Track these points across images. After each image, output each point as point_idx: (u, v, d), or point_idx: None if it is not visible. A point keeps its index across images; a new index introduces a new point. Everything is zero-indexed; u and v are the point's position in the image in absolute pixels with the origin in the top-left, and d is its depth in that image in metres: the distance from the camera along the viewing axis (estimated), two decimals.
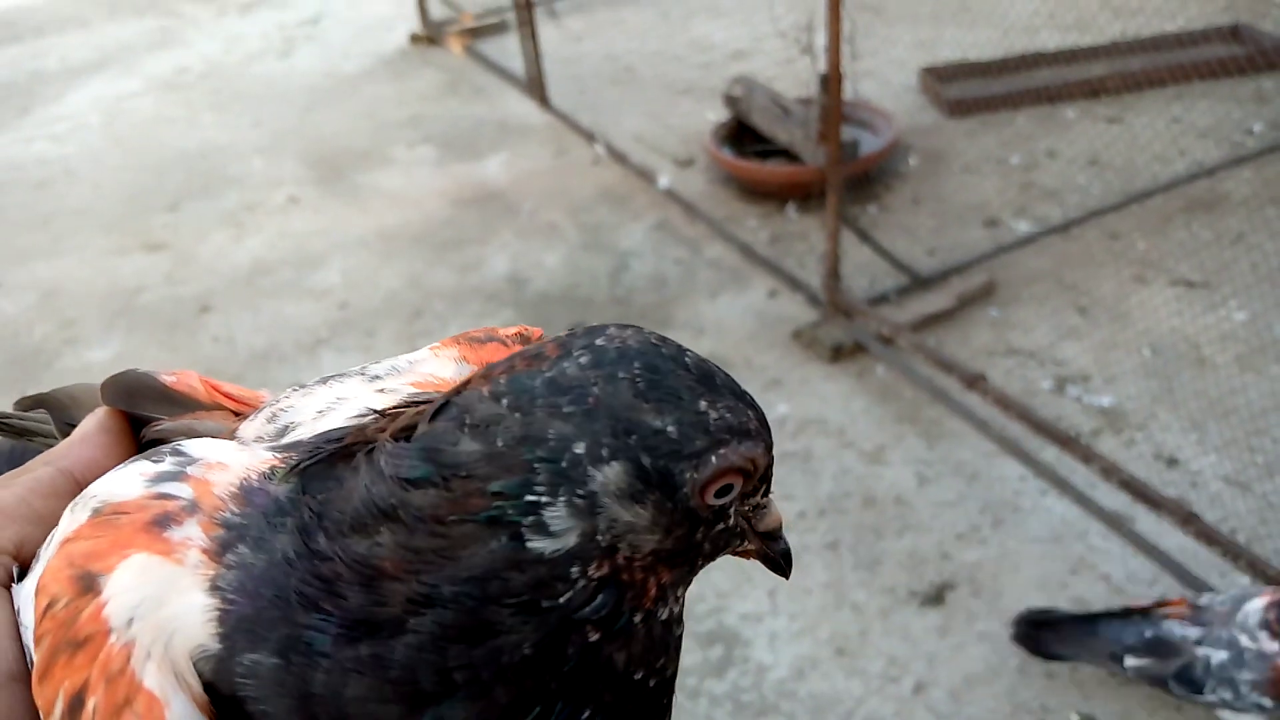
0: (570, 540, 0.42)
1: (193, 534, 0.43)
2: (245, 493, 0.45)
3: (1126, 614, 2.13)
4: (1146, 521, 2.59)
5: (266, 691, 0.41)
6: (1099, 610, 2.21)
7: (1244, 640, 1.94)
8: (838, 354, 3.23)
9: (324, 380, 0.55)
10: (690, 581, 0.48)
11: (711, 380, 0.46)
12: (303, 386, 0.55)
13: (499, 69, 5.60)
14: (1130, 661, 2.07)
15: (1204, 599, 2.10)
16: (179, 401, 0.56)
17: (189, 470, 0.46)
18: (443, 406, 0.43)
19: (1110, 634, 2.12)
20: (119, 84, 6.06)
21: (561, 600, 0.42)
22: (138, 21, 7.19)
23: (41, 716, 0.42)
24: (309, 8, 7.10)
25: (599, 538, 0.42)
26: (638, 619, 0.45)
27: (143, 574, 0.42)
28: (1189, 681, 1.99)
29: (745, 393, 0.48)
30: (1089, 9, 5.32)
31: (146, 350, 3.64)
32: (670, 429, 0.43)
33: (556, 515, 0.41)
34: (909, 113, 4.65)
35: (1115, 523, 2.61)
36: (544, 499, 0.41)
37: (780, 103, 4.17)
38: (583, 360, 0.44)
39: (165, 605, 0.42)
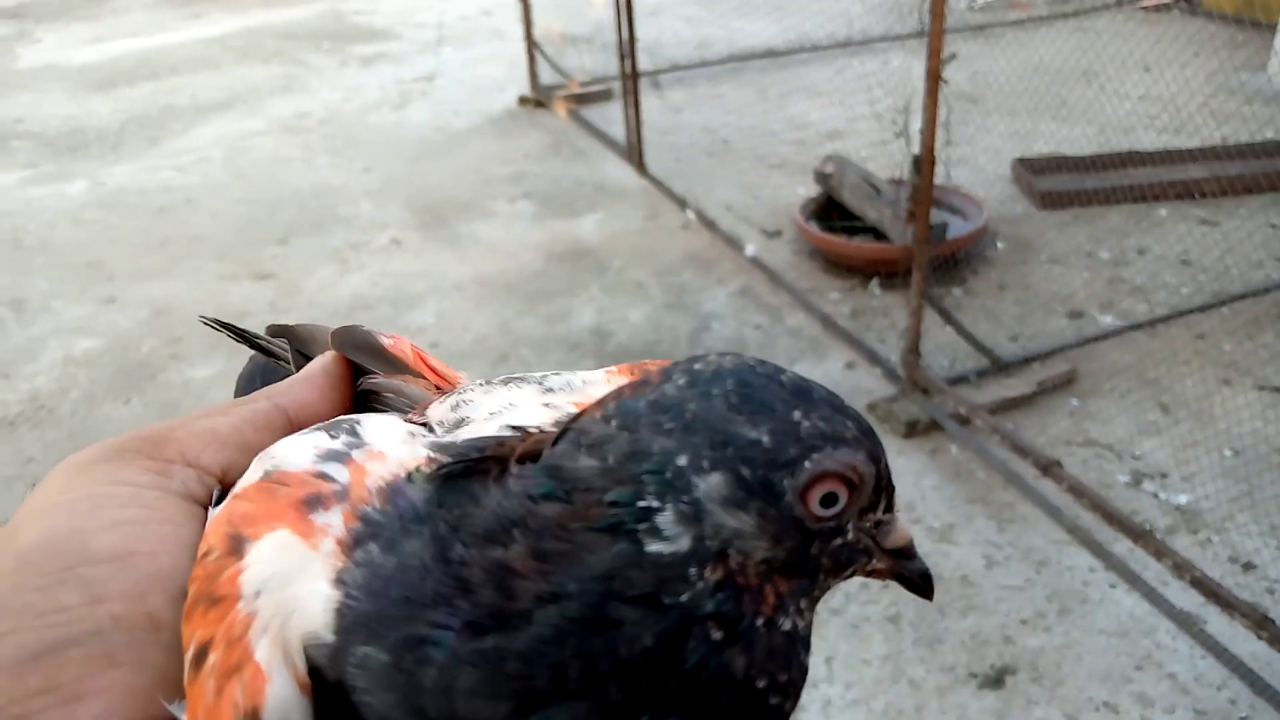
0: (683, 544, 0.43)
1: (334, 522, 0.45)
2: (392, 490, 0.47)
3: None
4: (1218, 623, 2.55)
5: (374, 684, 0.42)
6: None
7: None
8: (912, 430, 3.26)
9: (505, 380, 0.58)
10: (815, 598, 0.48)
11: (808, 394, 0.47)
12: (488, 382, 0.58)
13: (601, 134, 5.80)
14: None
15: None
16: (392, 362, 0.61)
17: (353, 454, 0.49)
18: (564, 432, 0.47)
19: None
20: (243, 123, 6.42)
21: (683, 598, 0.43)
22: (264, 67, 7.62)
23: (184, 649, 0.46)
24: (425, 66, 7.46)
25: (708, 542, 0.44)
26: (759, 623, 0.45)
27: (280, 550, 0.45)
28: None
29: (847, 407, 0.49)
30: (1187, 112, 5.32)
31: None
32: (764, 439, 0.45)
33: (667, 520, 0.43)
34: (1000, 201, 4.69)
35: (1185, 622, 2.57)
36: (654, 505, 0.43)
37: (871, 181, 4.26)
38: (681, 382, 0.47)
39: (291, 585, 0.44)
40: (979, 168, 4.93)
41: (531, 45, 6.30)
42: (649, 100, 5.61)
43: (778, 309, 4.05)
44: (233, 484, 0.50)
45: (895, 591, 2.71)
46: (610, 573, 0.43)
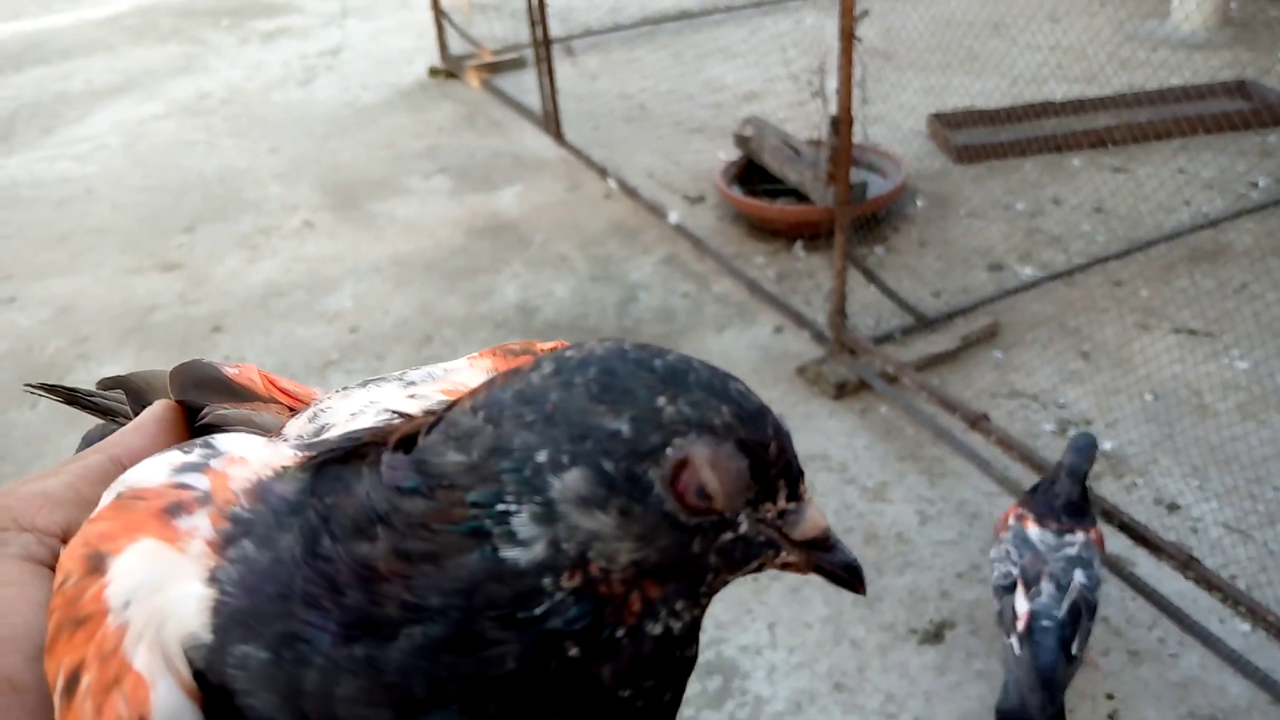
0: (539, 550, 0.41)
1: (200, 525, 0.44)
2: (260, 489, 0.46)
3: (1031, 640, 2.17)
4: (1146, 565, 2.61)
5: (255, 685, 0.41)
6: (1028, 678, 2.17)
7: (1070, 550, 2.24)
8: (842, 391, 3.26)
9: (364, 384, 0.57)
10: (701, 598, 0.46)
11: (680, 378, 0.45)
12: (345, 389, 0.56)
13: (515, 104, 5.69)
14: (1076, 646, 2.17)
15: (1001, 578, 2.29)
16: (239, 393, 0.58)
17: (212, 463, 0.48)
18: (436, 421, 0.45)
19: (1049, 663, 2.15)
20: (141, 108, 6.16)
21: (538, 612, 0.42)
22: (161, 48, 7.32)
23: (50, 687, 0.43)
24: (330, 39, 7.24)
25: (564, 546, 0.42)
26: (620, 634, 0.43)
27: (145, 558, 0.43)
28: (1093, 606, 2.20)
29: (729, 389, 0.45)
30: (1096, 61, 5.40)
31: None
32: (624, 428, 0.42)
33: (522, 523, 0.41)
34: (917, 158, 4.71)
35: (1115, 566, 2.62)
36: (512, 507, 0.42)
37: (790, 144, 4.24)
38: (546, 370, 0.44)
39: (162, 591, 0.43)
40: (895, 125, 4.94)
41: (439, 14, 6.14)
42: (563, 67, 5.51)
43: (704, 276, 4.02)
44: None
45: None
46: (471, 586, 0.41)
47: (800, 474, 0.47)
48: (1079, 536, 2.27)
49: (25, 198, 5.08)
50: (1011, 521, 2.36)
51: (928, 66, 5.66)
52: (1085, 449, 2.35)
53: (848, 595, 2.60)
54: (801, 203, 4.10)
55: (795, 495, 0.46)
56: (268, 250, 4.42)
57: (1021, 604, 2.22)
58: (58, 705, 0.43)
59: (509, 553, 0.41)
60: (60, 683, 0.42)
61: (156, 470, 0.48)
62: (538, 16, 4.94)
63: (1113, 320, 3.57)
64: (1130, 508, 2.74)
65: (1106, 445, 3.02)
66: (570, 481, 0.42)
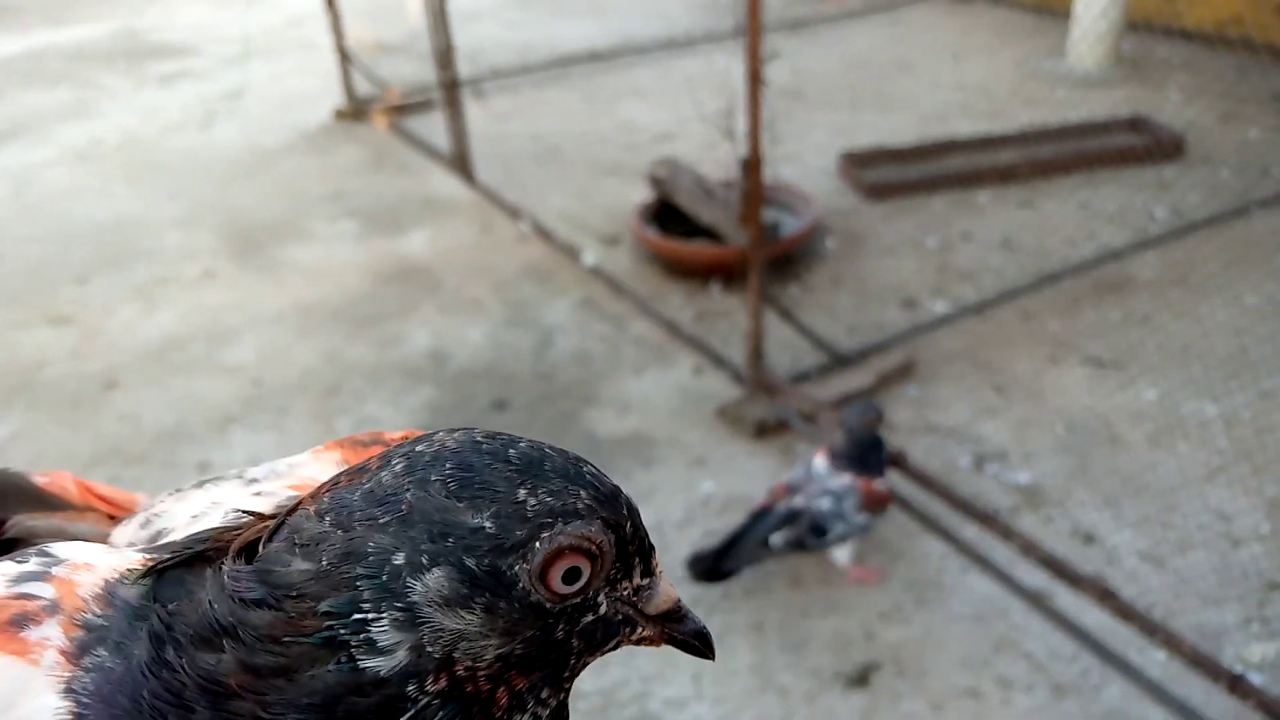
0: (401, 656, 0.41)
1: (51, 634, 0.43)
2: (109, 594, 0.44)
3: (756, 517, 2.62)
4: (1066, 598, 2.61)
5: None
6: (737, 528, 2.63)
7: (833, 484, 2.58)
8: (762, 431, 3.23)
9: (200, 484, 0.55)
10: (565, 683, 0.46)
11: (537, 466, 0.45)
12: (178, 491, 0.54)
13: (424, 145, 5.60)
14: (775, 539, 2.58)
15: (786, 478, 2.70)
16: (50, 503, 0.56)
17: (53, 570, 0.46)
18: (278, 527, 0.43)
19: (754, 535, 2.59)
20: (29, 154, 5.92)
21: None
22: (51, 91, 7.07)
23: None
24: (231, 81, 7.07)
25: (429, 649, 0.41)
26: None
27: None
28: (818, 530, 2.57)
29: (584, 473, 0.46)
30: (999, 99, 5.54)
31: (47, 428, 3.48)
32: (487, 524, 0.42)
33: (383, 631, 0.41)
34: (828, 196, 4.75)
35: (1036, 600, 2.61)
36: (370, 615, 0.40)
37: (704, 185, 4.23)
38: (398, 468, 0.43)
39: (15, 707, 0.41)
40: (806, 163, 4.99)
41: (344, 56, 6.04)
42: (473, 109, 5.45)
43: (621, 317, 3.97)
44: None
45: (759, 598, 2.67)
46: (329, 700, 0.40)
47: (653, 550, 0.48)
48: (846, 479, 2.59)
49: None
50: (814, 455, 2.71)
51: (837, 105, 5.74)
52: (861, 412, 2.64)
53: (773, 640, 2.56)
54: (716, 243, 4.09)
55: (649, 571, 0.48)
56: (165, 301, 4.24)
57: (781, 505, 2.61)
58: None
59: (369, 662, 0.40)
60: None
61: None
62: (445, 59, 4.88)
63: (1024, 353, 3.61)
64: (1048, 540, 2.74)
65: (1022, 478, 3.03)
66: (433, 583, 0.41)
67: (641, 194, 4.61)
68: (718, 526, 2.89)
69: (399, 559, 0.41)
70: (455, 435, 0.46)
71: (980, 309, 3.88)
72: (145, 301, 4.24)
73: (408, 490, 0.43)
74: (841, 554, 2.69)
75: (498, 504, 0.43)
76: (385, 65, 6.50)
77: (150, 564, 0.45)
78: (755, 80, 2.85)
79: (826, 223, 4.48)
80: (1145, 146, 4.74)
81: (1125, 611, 2.45)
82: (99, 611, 0.44)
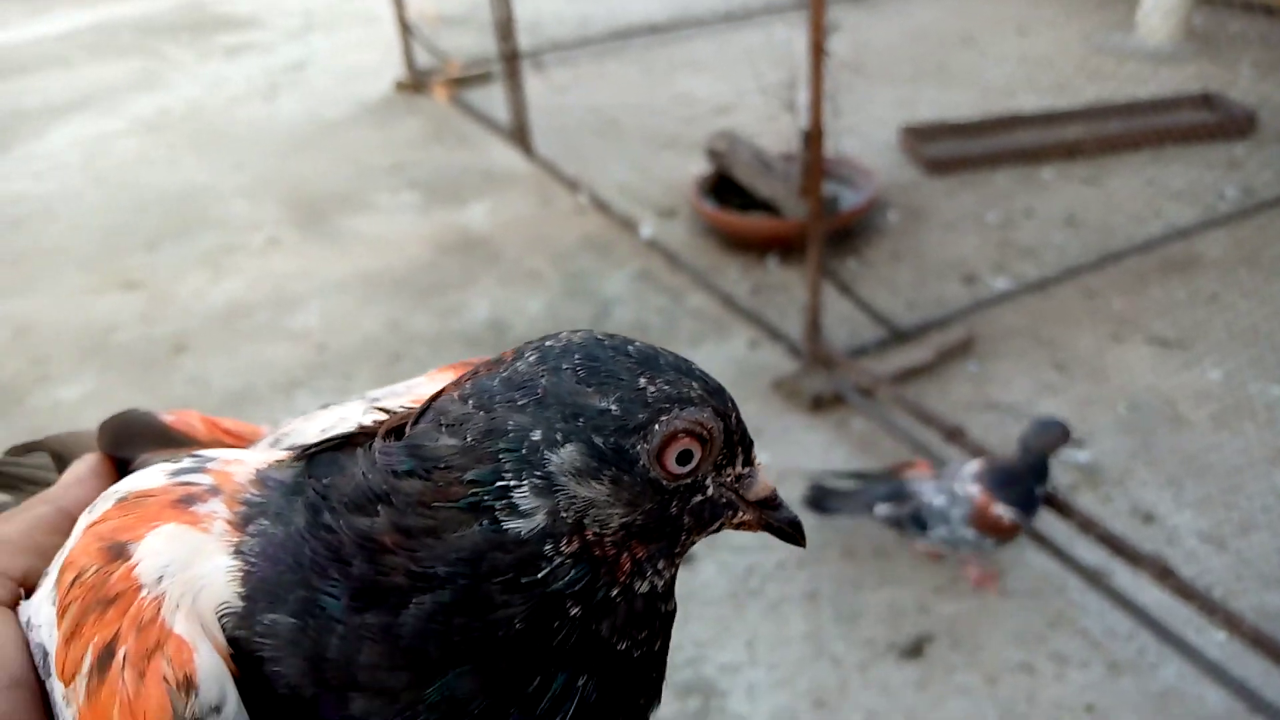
0: (539, 519, 0.45)
1: (218, 509, 0.48)
2: (262, 478, 0.49)
3: (884, 476, 2.67)
4: (1124, 576, 2.59)
5: (282, 651, 0.44)
6: (863, 473, 2.71)
7: (957, 488, 2.52)
8: (818, 404, 3.23)
9: (325, 405, 0.60)
10: (676, 558, 0.50)
11: (654, 361, 0.50)
12: (305, 414, 0.59)
13: (484, 118, 5.64)
14: (879, 510, 2.59)
15: (947, 467, 2.64)
16: (178, 441, 0.61)
17: (208, 465, 0.51)
18: (424, 411, 0.48)
19: (867, 493, 2.63)
20: (100, 124, 6.06)
21: (540, 576, 0.45)
22: (121, 63, 7.22)
23: (67, 679, 0.45)
24: (294, 54, 7.16)
25: (563, 515, 0.45)
26: (614, 593, 0.47)
27: (172, 539, 0.46)
28: (918, 521, 2.55)
29: (694, 370, 0.50)
30: (1065, 73, 5.44)
31: (118, 390, 3.59)
32: (613, 407, 0.47)
33: (523, 496, 0.45)
34: (889, 170, 4.71)
35: (1093, 577, 2.60)
36: (511, 482, 0.45)
37: (762, 157, 4.22)
38: (531, 359, 0.48)
39: (193, 565, 0.46)
40: (867, 137, 4.94)
41: (405, 28, 6.09)
42: (532, 81, 5.47)
43: (678, 290, 3.98)
44: (33, 589, 0.51)
45: (812, 569, 2.68)
46: (475, 555, 0.44)
47: (752, 443, 0.53)
48: (972, 488, 2.51)
49: None
50: (983, 460, 2.62)
51: (898, 79, 5.68)
52: (1043, 430, 2.53)
53: (827, 610, 2.57)
54: (774, 216, 4.08)
55: (749, 461, 0.52)
56: (231, 268, 4.34)
57: (908, 481, 2.61)
58: (83, 689, 0.44)
59: (511, 524, 0.44)
60: (89, 662, 0.44)
61: (152, 476, 0.51)
62: (505, 30, 4.90)
63: (1087, 331, 3.57)
64: (1107, 519, 2.72)
65: (1082, 457, 3.01)
66: (566, 456, 0.45)
67: (699, 167, 4.61)
68: None
69: (536, 435, 0.46)
70: (579, 334, 0.51)
71: (1042, 286, 3.83)
72: (212, 268, 4.34)
73: (542, 377, 0.47)
74: (941, 546, 2.63)
75: (621, 390, 0.47)
76: (445, 37, 6.54)
77: (299, 451, 0.50)
78: (818, 51, 2.84)
79: (886, 197, 4.45)
80: (1216, 123, 4.63)
81: (1184, 590, 2.43)
82: (256, 492, 0.49)
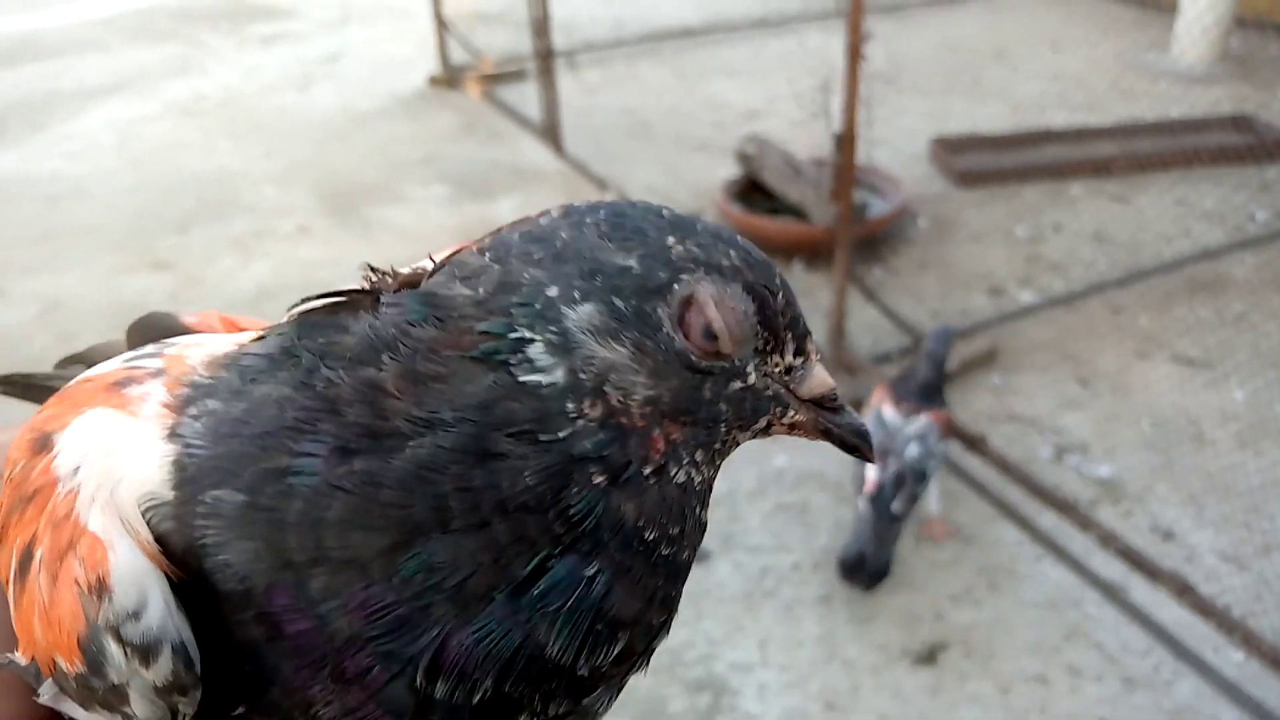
0: (559, 375, 0.41)
1: (152, 390, 0.44)
2: (224, 360, 0.45)
3: (877, 507, 2.61)
4: (1141, 592, 2.58)
5: (228, 534, 0.39)
6: (868, 530, 2.61)
7: (911, 430, 2.62)
8: None
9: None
10: (718, 451, 0.45)
11: (689, 225, 0.45)
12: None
13: (516, 115, 5.68)
14: (896, 507, 2.59)
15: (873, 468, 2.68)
16: None
17: (166, 351, 0.48)
18: (440, 266, 0.45)
19: (883, 521, 2.59)
20: (135, 107, 6.13)
21: (562, 435, 0.41)
22: (157, 48, 7.29)
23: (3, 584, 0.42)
24: (329, 45, 7.23)
25: (582, 375, 0.41)
26: (647, 471, 0.42)
27: (93, 425, 0.43)
28: (921, 473, 2.61)
29: (735, 239, 0.46)
30: (1097, 91, 5.42)
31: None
32: (634, 264, 0.43)
33: (539, 351, 0.41)
34: (918, 180, 4.71)
35: (1111, 591, 2.59)
36: (526, 335, 0.41)
37: (792, 163, 4.23)
38: (555, 214, 0.46)
39: (113, 452, 0.41)
40: (897, 148, 4.94)
41: (441, 23, 6.13)
42: (565, 80, 5.50)
43: None
44: None
45: (827, 571, 2.68)
46: (488, 403, 0.41)
47: (808, 333, 0.47)
48: (922, 418, 2.64)
49: (13, 194, 5.02)
50: (874, 402, 2.74)
51: (930, 91, 5.68)
52: (943, 336, 2.74)
53: (840, 614, 2.57)
54: (802, 221, 4.09)
55: (802, 352, 0.47)
56: (261, 253, 4.38)
57: (871, 473, 2.61)
58: (11, 596, 0.41)
59: (528, 376, 0.41)
60: (14, 567, 0.41)
61: (110, 364, 0.48)
62: (541, 28, 4.93)
63: (1111, 347, 3.56)
64: (1127, 534, 2.72)
65: (1103, 471, 3.00)
66: (584, 313, 0.42)
67: (728, 170, 4.63)
68: (790, 500, 2.91)
69: (552, 291, 0.42)
70: (610, 198, 0.49)
71: (1068, 301, 3.83)
72: (242, 252, 4.38)
73: (563, 230, 0.44)
74: (933, 499, 2.76)
75: (646, 247, 0.44)
76: (480, 34, 6.58)
77: (289, 315, 0.45)
78: (855, 53, 2.85)
79: (915, 207, 4.45)
80: (1247, 146, 4.61)
81: (1203, 608, 2.42)
82: (207, 373, 0.44)
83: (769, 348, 0.46)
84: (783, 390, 0.46)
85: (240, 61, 6.97)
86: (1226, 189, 4.58)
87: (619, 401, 0.42)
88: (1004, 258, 4.15)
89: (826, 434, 0.48)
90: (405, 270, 0.46)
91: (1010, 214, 4.47)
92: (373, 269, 0.46)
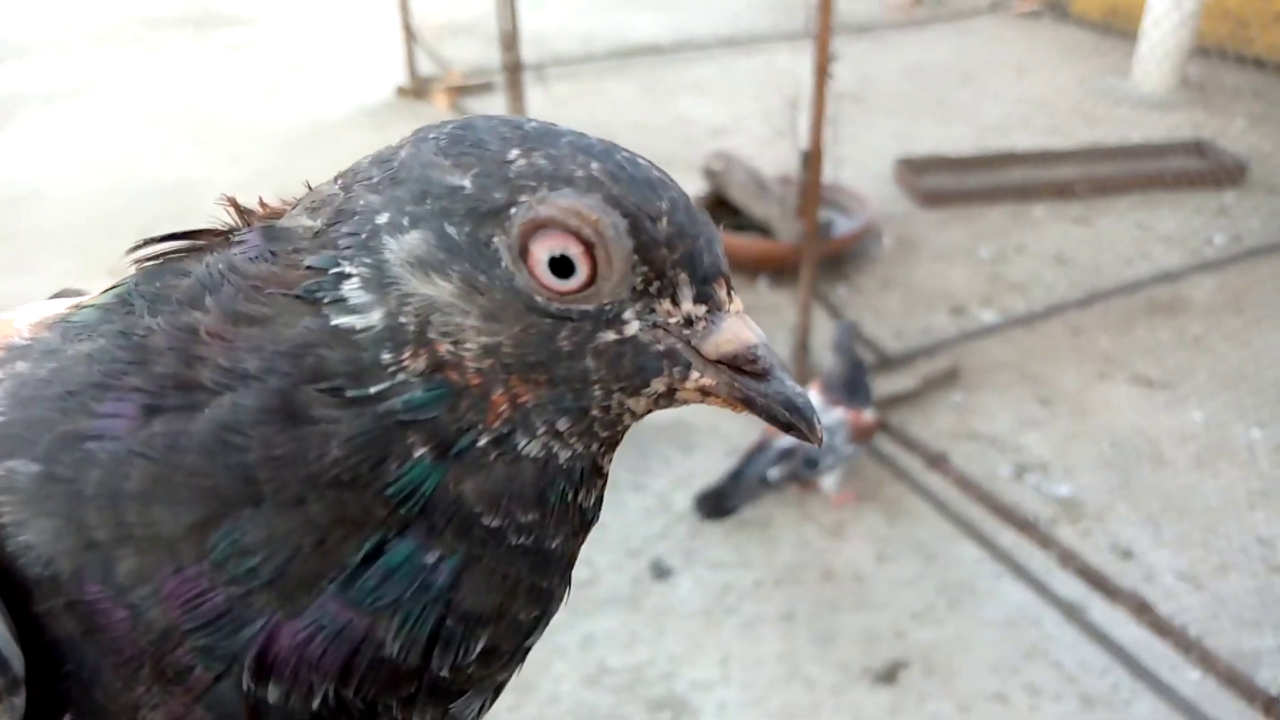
0: (375, 318, 0.36)
1: None
2: (53, 319, 0.42)
3: (751, 454, 2.81)
4: (1100, 611, 2.59)
5: (26, 512, 0.35)
6: (736, 465, 2.82)
7: (824, 419, 2.65)
8: None
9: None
10: (595, 425, 0.37)
11: (552, 137, 0.38)
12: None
13: None
14: (772, 473, 2.75)
15: None
16: None
17: (2, 316, 0.44)
18: (304, 197, 0.41)
19: (751, 471, 2.78)
20: (98, 112, 6.05)
21: (373, 390, 0.35)
22: (122, 53, 7.21)
23: None
24: (296, 54, 7.18)
25: (403, 319, 0.36)
26: (483, 441, 0.36)
27: None
28: (810, 463, 2.76)
29: (612, 151, 0.38)
30: (1060, 114, 5.50)
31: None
32: (466, 184, 0.37)
33: (354, 289, 0.36)
34: (883, 200, 4.74)
35: (1070, 611, 2.60)
36: (345, 270, 0.37)
37: (758, 180, 4.24)
38: (408, 134, 0.40)
39: None
40: (863, 167, 4.97)
41: (409, 34, 6.11)
42: (533, 94, 5.48)
43: None
44: None
45: (789, 589, 2.68)
46: (297, 350, 0.36)
47: (718, 274, 0.38)
48: (838, 412, 2.78)
49: None
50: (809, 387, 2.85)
51: (896, 111, 5.73)
52: (845, 329, 2.90)
53: (802, 632, 2.55)
54: (767, 238, 4.10)
55: (707, 298, 0.38)
56: None
57: (777, 442, 2.77)
58: None
59: (340, 319, 0.36)
60: None
61: None
62: (510, 41, 4.92)
63: (1072, 368, 3.59)
64: (1086, 553, 2.73)
65: (1063, 490, 3.02)
66: (408, 243, 0.36)
67: (695, 186, 4.62)
68: (752, 516, 2.91)
69: (382, 218, 0.37)
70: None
71: (1029, 321, 3.86)
72: None
73: (404, 149, 0.39)
74: (829, 482, 2.91)
75: (483, 163, 0.37)
76: (449, 45, 6.57)
77: (132, 267, 0.42)
78: (823, 72, 2.86)
79: (880, 226, 4.48)
80: (1207, 170, 4.69)
81: (1161, 627, 2.44)
82: (28, 335, 0.41)
83: (654, 289, 0.38)
84: (679, 345, 0.38)
85: (206, 68, 6.91)
86: (1185, 213, 4.65)
87: (449, 353, 0.36)
88: (966, 278, 4.18)
89: (748, 404, 0.40)
90: (276, 204, 0.42)
91: (973, 234, 4.51)
92: (235, 205, 0.42)
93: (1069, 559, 2.64)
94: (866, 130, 5.29)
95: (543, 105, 5.60)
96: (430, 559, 0.35)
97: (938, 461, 2.93)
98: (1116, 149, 4.97)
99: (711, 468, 3.06)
